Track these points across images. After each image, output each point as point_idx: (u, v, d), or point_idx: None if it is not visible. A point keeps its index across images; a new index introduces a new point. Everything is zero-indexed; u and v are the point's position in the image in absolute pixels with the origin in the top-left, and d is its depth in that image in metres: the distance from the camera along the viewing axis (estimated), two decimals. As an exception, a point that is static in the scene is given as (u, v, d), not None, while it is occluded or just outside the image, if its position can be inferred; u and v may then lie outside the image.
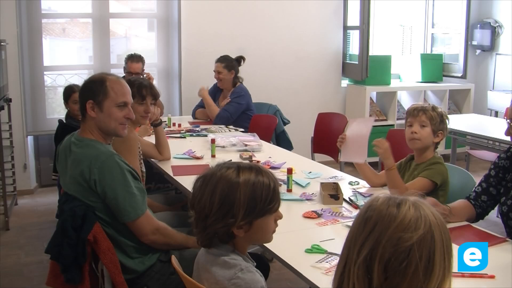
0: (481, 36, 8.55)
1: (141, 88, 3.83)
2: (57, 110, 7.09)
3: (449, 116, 3.50)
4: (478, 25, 8.56)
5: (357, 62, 7.97)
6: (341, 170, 4.35)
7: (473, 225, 2.94)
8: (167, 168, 4.03)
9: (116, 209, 2.84)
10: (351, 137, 3.64)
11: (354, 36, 8.20)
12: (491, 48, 8.52)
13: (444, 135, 3.42)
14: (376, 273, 1.38)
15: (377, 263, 1.38)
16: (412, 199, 1.45)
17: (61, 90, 6.87)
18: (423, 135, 3.35)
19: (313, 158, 5.54)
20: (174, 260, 2.27)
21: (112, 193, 2.82)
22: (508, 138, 2.87)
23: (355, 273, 1.42)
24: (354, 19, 8.01)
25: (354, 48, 8.28)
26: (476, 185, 3.13)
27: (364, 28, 7.72)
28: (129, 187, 2.86)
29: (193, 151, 4.44)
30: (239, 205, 1.96)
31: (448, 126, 3.46)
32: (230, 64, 6.07)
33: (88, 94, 2.96)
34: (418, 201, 1.45)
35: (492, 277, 2.28)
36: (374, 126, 7.72)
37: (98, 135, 2.98)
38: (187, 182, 3.47)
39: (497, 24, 8.40)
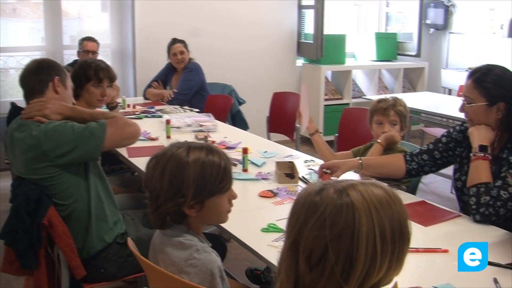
0: (435, 15, 8.64)
1: (98, 70, 3.79)
2: (9, 93, 6.95)
3: (403, 94, 3.54)
4: (432, 4, 8.64)
5: (312, 42, 7.99)
6: (296, 149, 4.37)
7: (428, 201, 2.98)
8: (122, 149, 3.99)
9: (84, 149, 2.81)
10: (302, 110, 3.69)
11: (309, 15, 8.20)
12: (444, 27, 8.62)
13: (407, 127, 3.48)
14: (301, 262, 1.34)
15: (301, 254, 1.34)
16: (342, 183, 1.38)
17: (13, 72, 6.76)
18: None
19: (268, 138, 5.56)
20: (130, 242, 2.26)
21: (70, 144, 2.77)
22: (462, 115, 2.91)
23: (286, 256, 1.40)
24: (309, -2, 8.02)
25: (309, 28, 8.27)
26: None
27: (319, 7, 7.74)
28: (78, 127, 2.83)
29: (148, 132, 4.40)
30: (188, 184, 1.96)
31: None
32: (186, 44, 6.08)
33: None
34: (347, 185, 1.37)
35: (446, 251, 2.32)
36: (329, 104, 7.92)
37: None
38: (143, 163, 3.44)
39: (450, 3, 8.49)
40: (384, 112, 3.39)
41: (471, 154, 2.73)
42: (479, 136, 2.75)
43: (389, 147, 3.36)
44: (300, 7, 8.19)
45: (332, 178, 2.97)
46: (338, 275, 1.30)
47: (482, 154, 2.68)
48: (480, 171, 2.66)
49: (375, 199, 1.34)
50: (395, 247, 1.35)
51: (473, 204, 2.60)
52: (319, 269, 1.32)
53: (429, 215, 2.77)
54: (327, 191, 1.36)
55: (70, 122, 2.85)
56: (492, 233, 2.53)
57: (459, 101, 2.94)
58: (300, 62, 8.45)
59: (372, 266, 1.32)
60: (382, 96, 3.56)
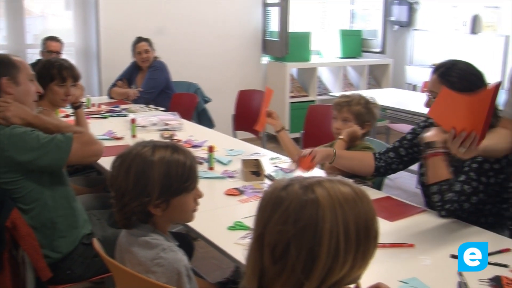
0: (399, 12, 8.70)
1: (62, 69, 3.74)
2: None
3: (369, 91, 3.53)
4: (396, 2, 8.70)
5: (277, 39, 8.00)
6: (263, 147, 4.37)
7: (393, 196, 3.01)
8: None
9: (47, 161, 2.75)
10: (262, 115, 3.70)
11: (274, 13, 8.20)
12: (408, 24, 8.69)
13: (372, 125, 3.43)
14: (266, 255, 1.35)
15: (266, 247, 1.35)
16: (309, 180, 1.38)
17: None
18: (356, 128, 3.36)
19: (234, 136, 5.55)
20: (96, 243, 2.24)
21: (33, 153, 2.71)
22: (426, 110, 2.92)
23: (252, 250, 1.41)
24: (273, -4, 8.02)
25: (274, 25, 8.27)
26: None
27: (284, 5, 7.76)
28: (44, 137, 2.76)
29: (113, 132, 4.37)
30: (154, 183, 1.95)
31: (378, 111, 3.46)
32: (151, 43, 6.05)
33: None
34: (313, 181, 1.38)
35: (411, 245, 2.35)
36: (295, 102, 7.93)
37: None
38: (108, 162, 3.41)
39: (414, 1, 8.56)
40: (337, 108, 3.40)
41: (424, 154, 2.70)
42: (430, 133, 2.70)
43: (352, 144, 3.36)
44: (265, 5, 8.19)
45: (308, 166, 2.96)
46: (299, 270, 1.31)
47: (433, 151, 2.64)
48: (437, 168, 2.63)
49: (341, 196, 1.35)
50: (360, 245, 1.35)
51: (438, 201, 2.60)
52: (282, 263, 1.33)
53: (395, 210, 2.79)
54: (293, 186, 1.37)
55: (37, 131, 2.79)
56: (456, 227, 2.56)
57: (423, 97, 2.96)
58: (265, 59, 8.46)
59: (335, 263, 1.32)
60: (349, 93, 3.57)
